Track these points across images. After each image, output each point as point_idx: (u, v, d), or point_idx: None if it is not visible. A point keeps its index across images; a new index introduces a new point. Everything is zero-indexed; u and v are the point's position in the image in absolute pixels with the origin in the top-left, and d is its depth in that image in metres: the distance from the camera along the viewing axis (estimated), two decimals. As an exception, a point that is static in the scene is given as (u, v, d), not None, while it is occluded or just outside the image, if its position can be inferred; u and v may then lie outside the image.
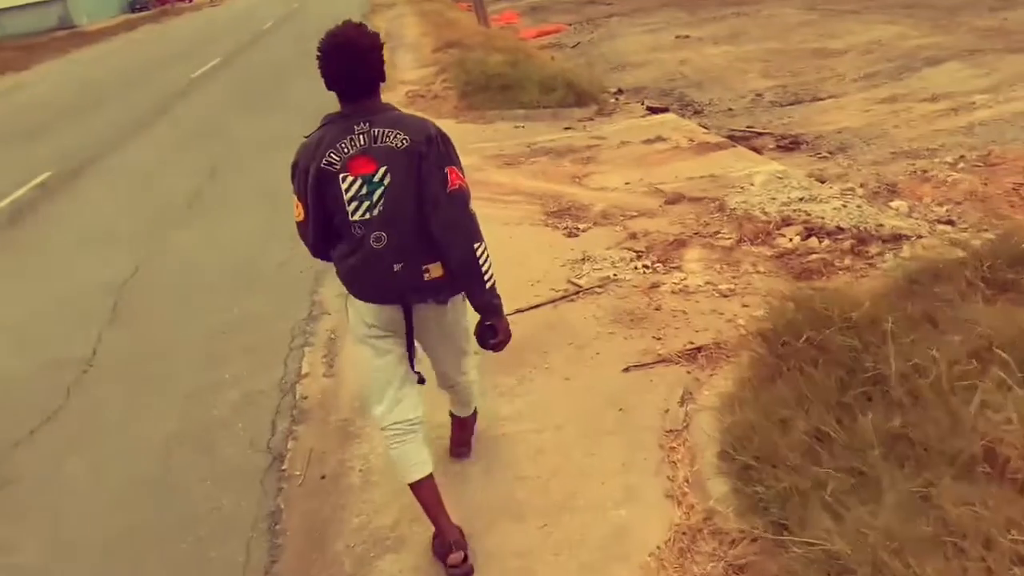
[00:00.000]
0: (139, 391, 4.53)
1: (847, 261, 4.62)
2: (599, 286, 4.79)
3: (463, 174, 2.69)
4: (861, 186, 5.95)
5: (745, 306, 4.30)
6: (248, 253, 6.39)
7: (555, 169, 7.36)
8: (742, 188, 6.10)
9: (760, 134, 8.08)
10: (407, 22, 24.34)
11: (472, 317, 2.88)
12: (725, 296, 4.45)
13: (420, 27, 21.38)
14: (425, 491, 2.91)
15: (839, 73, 10.34)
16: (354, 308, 2.84)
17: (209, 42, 27.12)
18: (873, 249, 4.70)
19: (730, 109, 9.45)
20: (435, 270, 2.68)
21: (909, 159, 6.59)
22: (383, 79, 2.69)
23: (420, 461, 2.90)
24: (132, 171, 9.77)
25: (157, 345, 5.03)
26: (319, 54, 2.61)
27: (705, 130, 8.10)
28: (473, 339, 2.88)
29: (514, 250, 5.55)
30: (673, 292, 4.58)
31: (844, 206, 5.40)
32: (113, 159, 10.59)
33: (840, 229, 5.00)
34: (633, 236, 5.48)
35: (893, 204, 5.52)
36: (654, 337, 4.13)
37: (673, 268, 4.90)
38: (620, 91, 10.86)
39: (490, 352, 2.86)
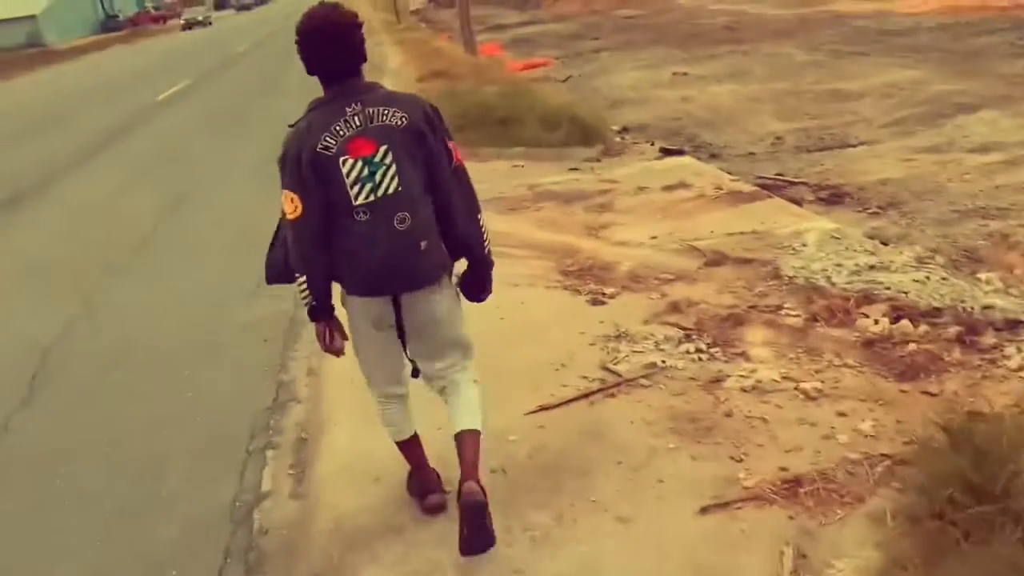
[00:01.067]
0: (43, 508, 3.44)
1: (957, 354, 3.68)
2: (644, 376, 3.79)
3: None
4: (935, 251, 5.04)
5: (842, 415, 3.33)
6: (205, 311, 5.33)
7: (566, 218, 6.40)
8: (795, 249, 5.17)
9: (793, 183, 7.20)
10: (388, 51, 23.46)
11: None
12: (812, 399, 3.47)
13: (401, 55, 20.50)
14: (409, 447, 3.03)
15: (864, 118, 9.55)
16: (352, 303, 2.74)
17: (180, 64, 26.08)
18: (987, 339, 3.76)
19: (751, 153, 8.59)
20: (446, 238, 2.72)
21: (979, 220, 5.72)
22: (365, 59, 2.62)
23: (403, 425, 3.00)
24: (81, 202, 8.69)
25: (78, 438, 3.95)
26: (298, 37, 2.56)
27: (732, 176, 7.20)
28: (462, 318, 2.91)
29: (528, 320, 4.56)
30: (743, 390, 3.60)
31: (927, 278, 4.48)
32: (62, 187, 9.50)
33: (937, 310, 4.07)
34: (675, 307, 4.50)
35: (982, 276, 4.60)
36: (732, 458, 3.13)
37: (735, 355, 3.92)
38: (625, 129, 10.00)
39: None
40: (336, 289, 2.71)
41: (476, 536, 2.62)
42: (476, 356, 3.03)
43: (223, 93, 17.03)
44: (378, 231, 2.54)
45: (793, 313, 4.28)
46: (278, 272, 2.81)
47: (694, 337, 4.12)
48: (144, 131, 13.09)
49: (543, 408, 3.61)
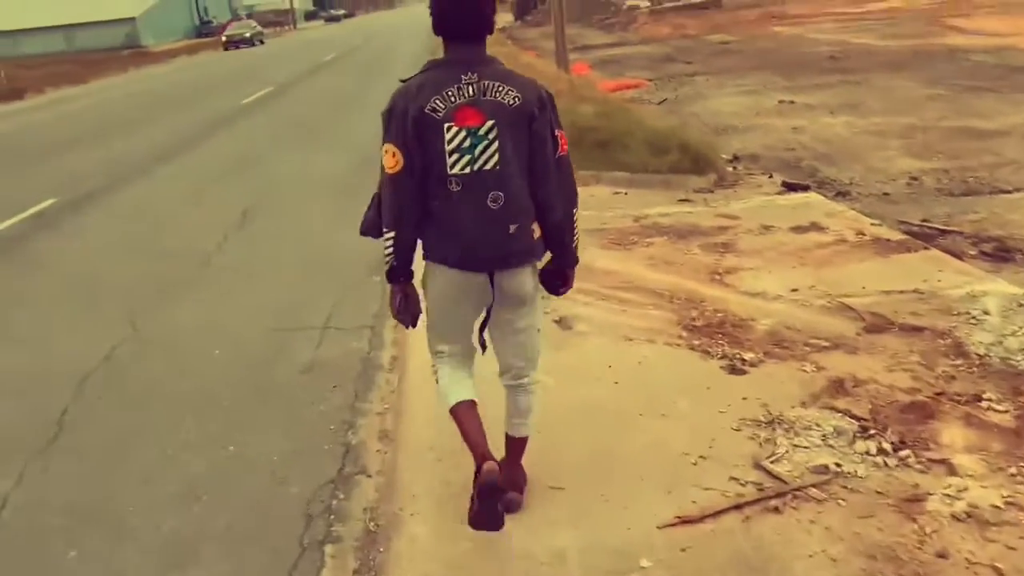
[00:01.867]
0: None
1: None
2: (815, 484, 2.90)
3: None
4: None
5: (1113, 574, 2.38)
6: (264, 344, 4.63)
7: (681, 257, 5.53)
8: (975, 318, 4.20)
9: (944, 231, 6.18)
10: (475, 64, 22.92)
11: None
12: (1059, 541, 2.53)
13: (490, 70, 19.89)
14: (465, 416, 2.76)
15: (1010, 159, 8.44)
16: (435, 272, 2.68)
17: (266, 70, 26.04)
18: None
19: (885, 194, 7.57)
20: (538, 230, 2.66)
21: None
22: (491, 31, 2.60)
23: (464, 387, 2.82)
24: (149, 208, 8.17)
25: (99, 500, 3.24)
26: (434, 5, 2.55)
27: (872, 220, 6.22)
28: (541, 318, 2.88)
29: (650, 388, 3.71)
30: (955, 517, 2.68)
31: None
32: (132, 190, 9.03)
33: None
34: (838, 386, 3.59)
35: None
36: (967, 633, 2.22)
37: (933, 462, 2.99)
38: (736, 158, 9.06)
39: None
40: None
41: (485, 515, 2.57)
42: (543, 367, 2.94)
43: (305, 101, 16.66)
44: (469, 206, 2.52)
45: (999, 407, 3.33)
46: (370, 226, 2.76)
47: (873, 432, 3.20)
48: (222, 136, 12.69)
49: (683, 521, 2.76)
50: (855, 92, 14.77)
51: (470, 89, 2.49)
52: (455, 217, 2.53)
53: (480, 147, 2.49)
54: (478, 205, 2.52)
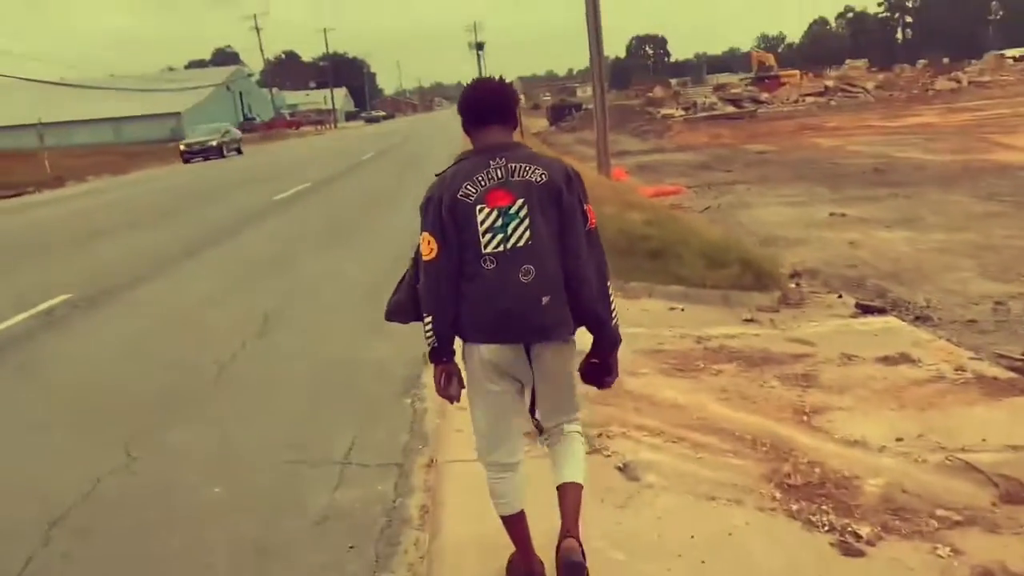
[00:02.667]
0: None
1: None
2: None
3: None
4: None
5: None
6: (271, 485, 3.95)
7: (758, 390, 4.81)
8: None
9: (1053, 368, 5.41)
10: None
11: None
12: None
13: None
14: (515, 524, 2.87)
15: (1104, 285, 7.70)
16: (472, 353, 2.72)
17: (303, 166, 26.21)
18: None
19: (971, 321, 6.84)
20: (573, 301, 2.68)
21: None
22: (516, 126, 2.83)
23: (512, 499, 2.85)
24: (166, 308, 7.65)
25: None
26: (461, 97, 2.80)
27: (970, 353, 5.49)
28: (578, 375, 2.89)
29: (745, 571, 2.94)
30: None
31: None
32: (152, 287, 8.56)
33: None
34: (990, 581, 2.81)
35: None
36: None
37: None
38: (797, 274, 8.41)
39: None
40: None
41: None
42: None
43: (339, 198, 16.42)
44: (502, 280, 2.60)
45: None
46: (397, 311, 2.88)
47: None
48: (251, 233, 12.31)
49: None
50: (908, 206, 14.20)
51: (499, 172, 2.63)
52: (489, 294, 2.61)
53: (512, 225, 2.60)
54: (511, 280, 2.60)
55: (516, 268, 2.59)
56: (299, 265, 9.48)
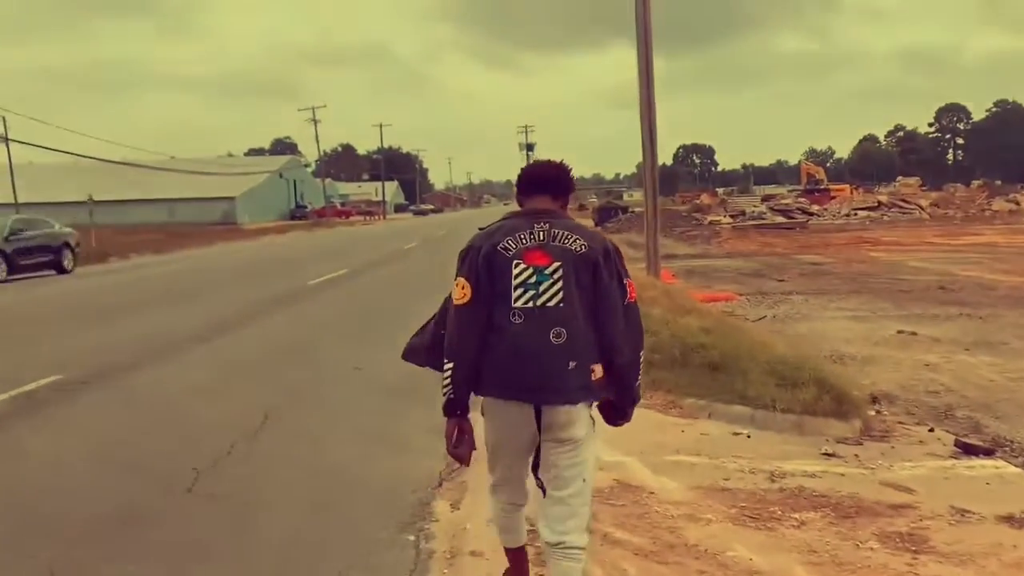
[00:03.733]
0: None
1: None
2: None
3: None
4: None
5: None
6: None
7: (854, 553, 3.78)
8: None
9: None
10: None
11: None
12: None
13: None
14: (515, 557, 3.10)
15: None
16: (488, 410, 2.80)
17: (344, 253, 25.84)
18: None
19: (1097, 468, 5.71)
20: (598, 371, 2.73)
21: None
22: (565, 204, 2.93)
23: (516, 534, 3.07)
24: (159, 398, 6.86)
25: None
26: (521, 171, 2.99)
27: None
28: (593, 470, 2.88)
29: None
30: None
31: None
32: (151, 372, 7.80)
33: None
34: None
35: None
36: None
37: None
38: (875, 399, 7.35)
39: None
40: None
41: None
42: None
43: (375, 287, 15.81)
44: (530, 339, 2.65)
45: None
46: (415, 352, 2.98)
47: None
48: (275, 318, 11.61)
49: None
50: (985, 328, 13.03)
51: (541, 235, 2.72)
52: (513, 349, 2.64)
53: (545, 284, 2.67)
54: (540, 339, 2.64)
55: (546, 328, 2.64)
56: (317, 356, 8.69)
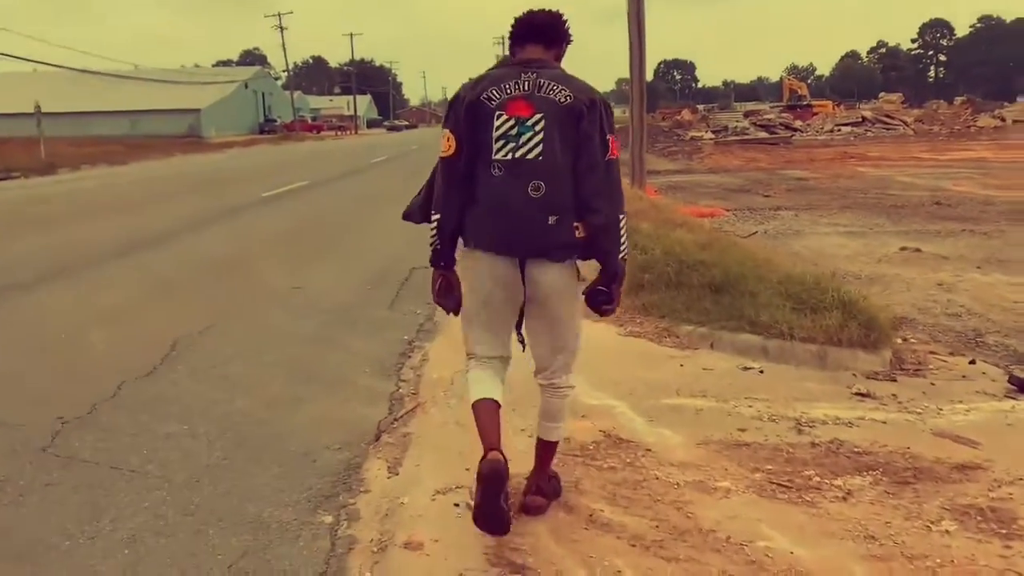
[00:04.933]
0: None
1: None
2: None
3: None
4: None
5: None
6: None
7: (923, 538, 2.79)
8: None
9: None
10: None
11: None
12: None
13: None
14: (483, 411, 2.82)
15: None
16: (470, 261, 2.77)
17: (308, 166, 24.37)
18: None
19: None
20: (582, 229, 2.67)
21: None
22: (559, 56, 2.78)
23: (490, 385, 2.87)
24: (46, 326, 5.70)
25: None
26: (514, 20, 2.79)
27: None
28: (581, 323, 2.86)
29: None
30: None
31: None
32: (48, 294, 6.65)
33: None
34: None
35: None
36: None
37: None
38: (897, 324, 6.36)
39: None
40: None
41: (487, 509, 2.56)
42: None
43: (334, 200, 14.54)
44: (511, 192, 2.60)
45: None
46: (413, 211, 2.93)
47: None
48: (215, 232, 10.37)
49: None
50: (992, 245, 12.08)
51: (526, 84, 2.64)
52: (495, 202, 2.62)
53: (526, 136, 2.60)
54: (518, 193, 2.59)
55: (524, 182, 2.59)
56: (254, 273, 7.55)
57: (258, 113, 79.10)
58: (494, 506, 2.54)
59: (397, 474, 3.31)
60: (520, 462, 3.03)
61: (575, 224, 2.62)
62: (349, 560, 2.66)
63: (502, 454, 2.60)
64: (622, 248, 2.72)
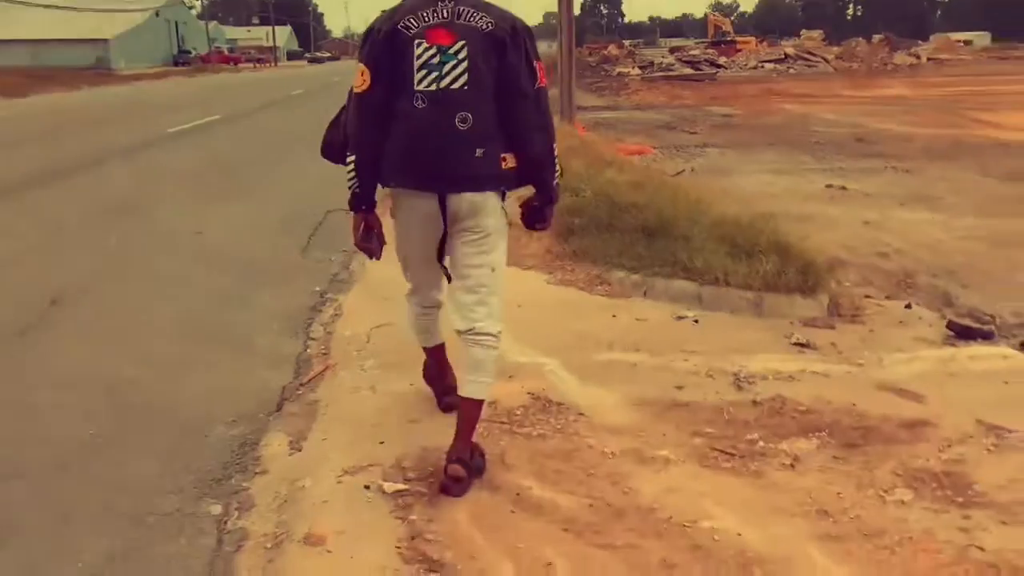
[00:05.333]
0: None
1: None
2: None
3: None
4: None
5: None
6: None
7: (881, 513, 2.57)
8: None
9: None
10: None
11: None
12: None
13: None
14: (435, 354, 3.09)
15: None
16: (401, 201, 2.68)
17: (222, 99, 23.12)
18: None
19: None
20: (509, 160, 2.60)
21: None
22: None
23: (433, 334, 3.04)
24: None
25: None
26: None
27: None
28: (504, 258, 2.77)
29: None
30: None
31: None
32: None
33: None
34: None
35: None
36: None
37: None
38: (830, 267, 6.20)
39: None
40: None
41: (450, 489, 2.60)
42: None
43: (246, 136, 13.74)
44: (433, 122, 2.49)
45: None
46: (329, 149, 2.82)
47: None
48: (112, 171, 9.58)
49: None
50: (914, 182, 12.15)
51: (444, 12, 2.51)
52: (419, 135, 2.50)
53: (449, 65, 2.47)
54: (444, 125, 2.48)
55: (451, 113, 2.48)
56: (153, 217, 6.93)
57: (171, 44, 75.23)
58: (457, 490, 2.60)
59: (300, 450, 2.93)
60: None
61: (502, 155, 2.55)
62: (237, 560, 2.28)
63: (464, 464, 2.60)
64: (556, 175, 2.69)
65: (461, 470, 2.60)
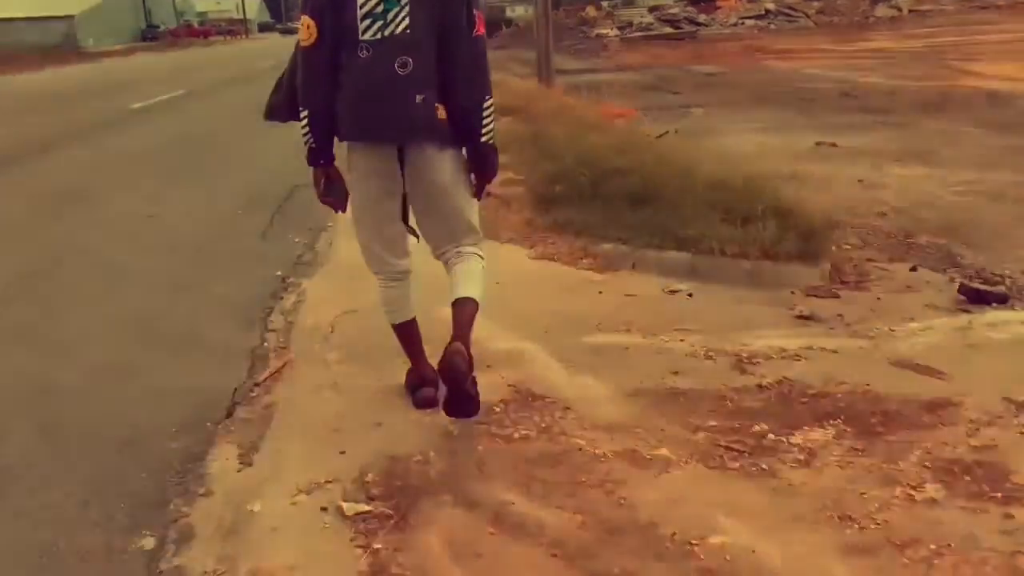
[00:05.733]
0: None
1: None
2: None
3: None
4: None
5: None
6: None
7: (912, 516, 2.25)
8: None
9: None
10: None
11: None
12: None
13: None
14: (405, 331, 2.89)
15: None
16: (355, 156, 2.62)
17: (189, 74, 22.45)
18: None
19: None
20: (441, 112, 2.56)
21: None
22: None
23: (403, 307, 2.86)
24: None
25: None
26: None
27: None
28: (473, 200, 2.76)
29: None
30: None
31: None
32: None
33: None
34: None
35: None
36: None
37: None
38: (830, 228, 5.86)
39: None
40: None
41: (457, 400, 2.54)
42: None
43: (211, 112, 13.22)
44: (376, 70, 2.48)
45: None
46: (275, 110, 2.76)
47: None
48: (72, 151, 9.11)
49: None
50: (907, 136, 11.80)
51: None
52: (362, 83, 2.49)
53: (392, 12, 2.46)
54: (385, 70, 2.47)
55: (392, 58, 2.46)
56: (106, 199, 6.50)
57: (139, 19, 73.61)
58: (463, 394, 2.51)
59: (250, 464, 2.58)
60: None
61: (437, 105, 2.52)
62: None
63: (465, 347, 2.50)
64: (485, 131, 2.59)
65: (461, 355, 2.48)
